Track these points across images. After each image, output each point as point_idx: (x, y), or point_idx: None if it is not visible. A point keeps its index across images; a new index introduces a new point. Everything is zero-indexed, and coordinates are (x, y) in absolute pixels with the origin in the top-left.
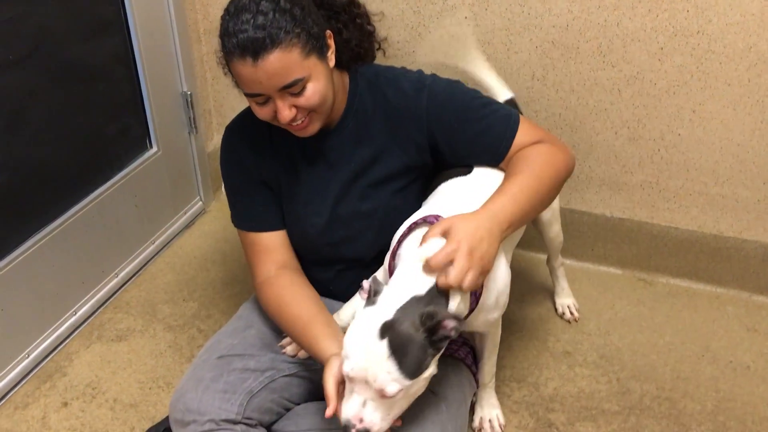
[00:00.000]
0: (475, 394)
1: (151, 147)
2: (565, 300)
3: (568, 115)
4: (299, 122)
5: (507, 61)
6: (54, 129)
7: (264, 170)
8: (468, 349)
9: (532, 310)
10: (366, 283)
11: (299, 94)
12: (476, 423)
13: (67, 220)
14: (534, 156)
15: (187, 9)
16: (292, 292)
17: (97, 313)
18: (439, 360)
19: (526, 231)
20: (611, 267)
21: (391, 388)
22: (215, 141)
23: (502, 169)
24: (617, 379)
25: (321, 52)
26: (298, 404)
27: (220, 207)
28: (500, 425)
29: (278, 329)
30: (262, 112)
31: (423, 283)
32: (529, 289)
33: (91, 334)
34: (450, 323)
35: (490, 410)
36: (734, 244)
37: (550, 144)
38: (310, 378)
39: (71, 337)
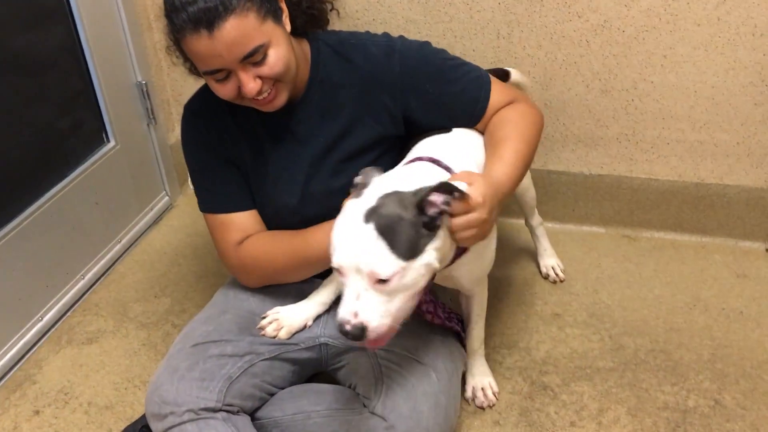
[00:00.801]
0: (465, 364)
1: (109, 141)
2: (549, 261)
3: (538, 72)
4: (266, 94)
5: (470, 21)
6: (0, 125)
7: (229, 149)
8: (457, 319)
9: (517, 274)
10: (358, 179)
11: (261, 62)
12: (469, 392)
13: (23, 222)
14: (517, 118)
15: None
16: (272, 234)
17: (65, 317)
18: (427, 330)
19: None
20: (594, 226)
21: (384, 269)
22: (176, 132)
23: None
24: (609, 336)
25: (276, 15)
26: (282, 389)
27: (188, 201)
28: (494, 393)
29: (255, 312)
30: (225, 90)
31: (410, 184)
32: (512, 254)
33: (60, 338)
34: (438, 197)
35: (481, 378)
36: (716, 191)
37: (523, 103)
38: (293, 360)
39: (39, 343)
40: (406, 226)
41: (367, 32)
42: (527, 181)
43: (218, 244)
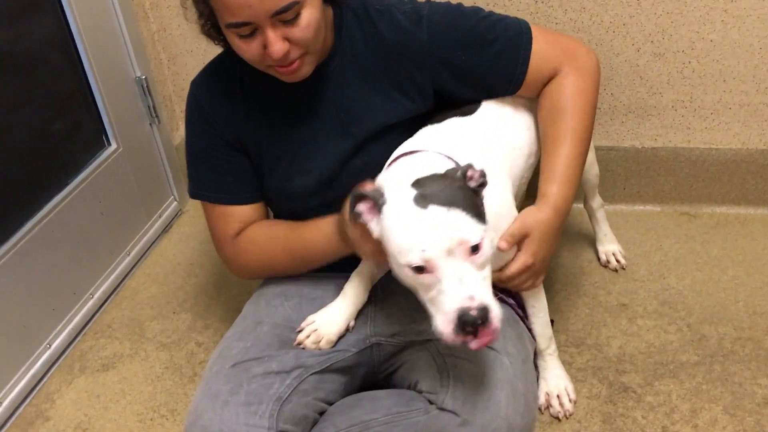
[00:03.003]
0: (534, 349)
1: (110, 144)
2: (610, 246)
3: (582, 37)
4: (290, 62)
5: None
6: None
7: (238, 130)
8: (517, 300)
9: (571, 263)
10: (362, 206)
11: (293, 22)
12: (542, 400)
13: (22, 239)
14: (568, 108)
15: None
16: (269, 226)
17: (75, 342)
18: None
19: None
20: (648, 204)
21: (473, 233)
22: (181, 131)
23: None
24: (687, 326)
25: None
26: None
27: (198, 205)
28: (571, 400)
29: (293, 318)
30: (248, 47)
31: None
32: (564, 241)
33: (72, 367)
34: (474, 172)
35: (557, 383)
36: None
37: (573, 70)
38: (344, 368)
39: (49, 373)
40: (465, 193)
41: None
42: (591, 156)
43: (214, 233)
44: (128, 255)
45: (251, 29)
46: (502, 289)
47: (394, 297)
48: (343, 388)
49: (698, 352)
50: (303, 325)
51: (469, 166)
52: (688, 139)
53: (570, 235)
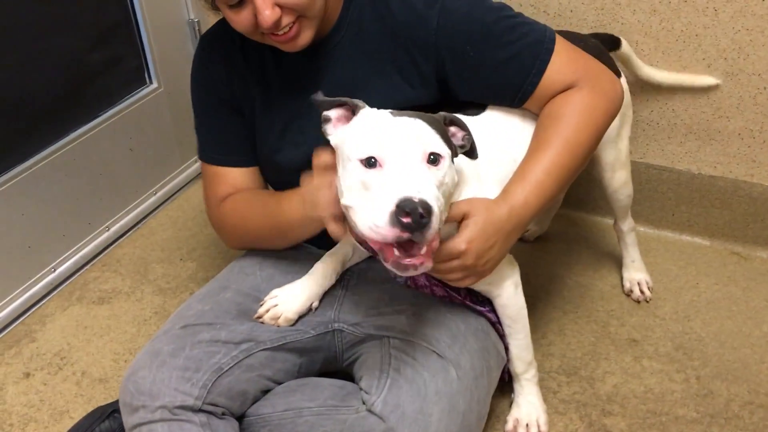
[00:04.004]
0: (504, 367)
1: (151, 82)
2: (636, 275)
3: (648, 44)
4: (286, 29)
5: None
6: (26, 52)
7: (236, 91)
8: (488, 304)
9: (593, 284)
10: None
11: None
12: (509, 426)
13: (42, 161)
14: (567, 117)
15: None
16: (252, 194)
17: (81, 271)
18: (458, 319)
19: (588, 190)
20: (697, 236)
21: (436, 143)
22: None
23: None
24: (696, 378)
25: None
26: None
27: None
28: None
29: (261, 289)
30: (240, 19)
31: None
32: (590, 259)
33: (72, 294)
34: (459, 130)
35: (529, 411)
36: None
37: (588, 88)
38: (300, 349)
39: (48, 297)
40: (439, 125)
41: None
42: (624, 175)
43: (205, 195)
44: (154, 195)
45: None
46: (474, 295)
47: (367, 286)
48: (297, 369)
49: (699, 409)
50: (265, 298)
51: (454, 119)
52: (751, 173)
53: (599, 254)
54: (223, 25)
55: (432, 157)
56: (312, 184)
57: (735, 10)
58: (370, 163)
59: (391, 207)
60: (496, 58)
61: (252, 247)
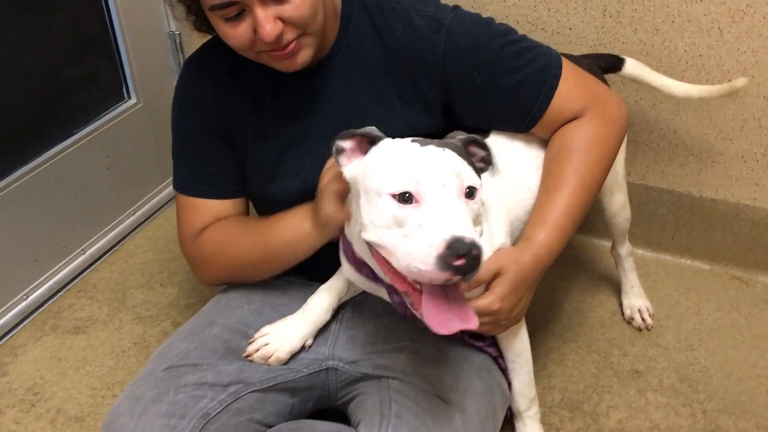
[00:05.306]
0: (508, 408)
1: (129, 98)
2: (636, 301)
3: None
4: (286, 45)
5: None
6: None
7: (226, 118)
8: (490, 340)
9: (592, 311)
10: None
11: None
12: None
13: (14, 182)
14: (580, 152)
15: None
16: (238, 219)
17: (55, 298)
18: (460, 357)
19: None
20: (697, 260)
21: (472, 176)
22: None
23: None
24: (703, 412)
25: None
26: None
27: None
28: None
29: (249, 324)
30: (236, 33)
31: None
32: (589, 284)
33: (45, 323)
34: (479, 150)
35: None
36: None
37: (598, 118)
38: (292, 390)
39: (20, 326)
40: (463, 151)
41: None
42: (622, 197)
43: (180, 227)
44: (133, 214)
45: (238, 9)
46: (475, 334)
47: (363, 319)
48: (288, 410)
49: None
50: (256, 335)
51: (474, 140)
52: (754, 197)
53: (597, 278)
54: (208, 48)
55: (468, 190)
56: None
57: (741, 31)
58: (404, 198)
59: (440, 249)
60: (504, 85)
61: (232, 279)
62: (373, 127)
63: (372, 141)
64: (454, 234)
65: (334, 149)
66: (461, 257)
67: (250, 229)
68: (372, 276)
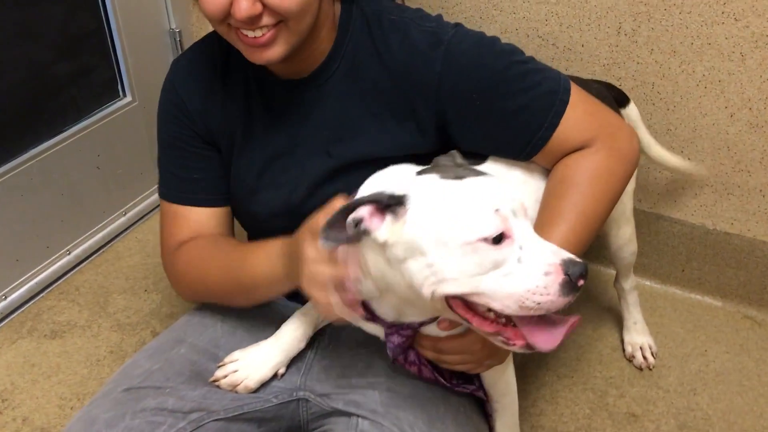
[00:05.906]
0: None
1: (124, 95)
2: (638, 338)
3: (666, 87)
4: (260, 33)
5: (585, 6)
6: None
7: (213, 123)
8: (476, 382)
9: (591, 345)
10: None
11: None
12: None
13: None
14: (583, 186)
15: None
16: (215, 240)
17: (36, 299)
18: (437, 398)
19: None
20: (708, 296)
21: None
22: None
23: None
24: None
25: None
26: None
27: None
28: None
29: (220, 345)
30: (211, 2)
31: None
32: (591, 315)
33: (23, 325)
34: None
35: None
36: None
37: (605, 150)
38: (259, 419)
39: None
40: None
41: (420, 9)
42: (629, 231)
43: (161, 237)
44: (124, 215)
45: None
46: (460, 374)
47: (340, 349)
48: None
49: None
50: (225, 360)
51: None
52: None
53: (600, 309)
54: (198, 49)
55: (525, 209)
56: (307, 251)
57: (764, 57)
58: (496, 239)
59: (561, 275)
60: (505, 109)
61: (207, 300)
62: (383, 191)
63: (400, 201)
64: (562, 257)
65: (351, 221)
66: (581, 277)
67: (223, 255)
68: (372, 317)
